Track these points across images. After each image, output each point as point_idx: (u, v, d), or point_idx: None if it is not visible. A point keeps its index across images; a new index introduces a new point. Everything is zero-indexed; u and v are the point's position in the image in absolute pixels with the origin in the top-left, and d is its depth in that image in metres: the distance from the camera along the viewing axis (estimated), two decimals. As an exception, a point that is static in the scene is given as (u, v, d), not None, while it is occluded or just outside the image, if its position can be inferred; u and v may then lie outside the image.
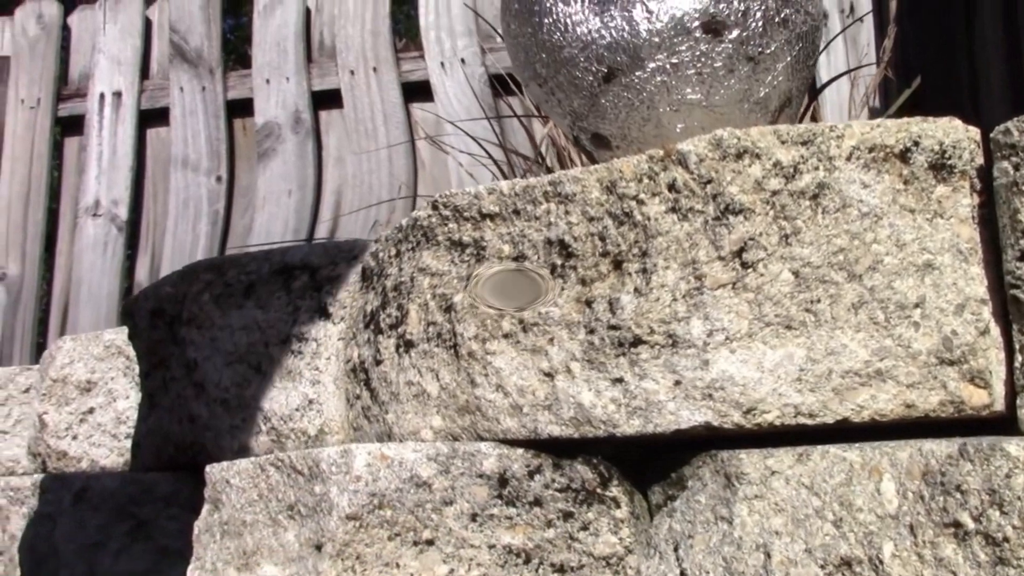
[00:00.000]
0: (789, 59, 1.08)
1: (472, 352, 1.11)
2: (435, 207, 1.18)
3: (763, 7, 1.06)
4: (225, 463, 1.30)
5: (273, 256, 1.36)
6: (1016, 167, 0.95)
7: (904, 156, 1.01)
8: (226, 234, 2.90)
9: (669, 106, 1.06)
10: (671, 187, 1.02)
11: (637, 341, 1.02)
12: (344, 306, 1.32)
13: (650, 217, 1.02)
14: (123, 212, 3.02)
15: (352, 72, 2.93)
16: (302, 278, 1.34)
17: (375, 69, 2.92)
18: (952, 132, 1.01)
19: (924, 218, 1.01)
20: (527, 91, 1.18)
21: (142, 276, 2.99)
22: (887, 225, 1.00)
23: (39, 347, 3.15)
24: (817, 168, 1.00)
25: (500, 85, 2.75)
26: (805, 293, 0.99)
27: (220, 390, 1.40)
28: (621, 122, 1.08)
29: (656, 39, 1.05)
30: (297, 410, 1.33)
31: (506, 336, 1.10)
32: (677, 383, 0.99)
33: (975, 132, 1.03)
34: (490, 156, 2.59)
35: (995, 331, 0.99)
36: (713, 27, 1.04)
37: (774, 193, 1.00)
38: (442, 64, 2.88)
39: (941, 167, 1.01)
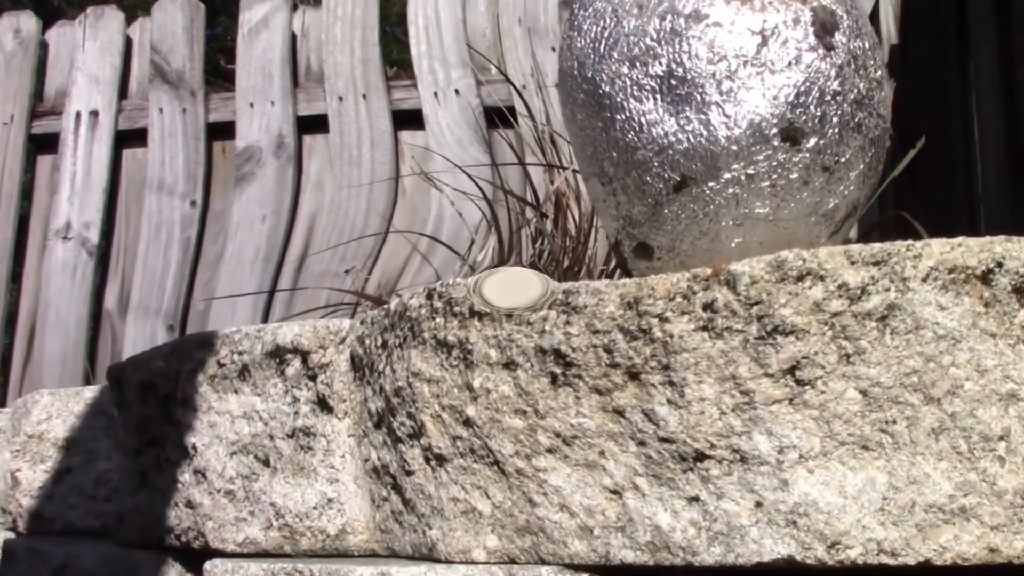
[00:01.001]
0: (862, 167, 1.02)
1: (520, 470, 1.04)
2: (429, 296, 1.11)
3: (839, 112, 0.99)
4: (230, 564, 1.23)
5: (264, 335, 1.29)
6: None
7: (986, 278, 0.95)
8: (196, 261, 2.82)
9: (733, 220, 0.99)
10: (707, 307, 0.96)
11: (701, 456, 0.95)
12: (343, 399, 1.26)
13: (672, 334, 0.96)
14: (94, 236, 2.92)
15: (341, 98, 2.86)
16: (294, 363, 1.27)
17: (365, 96, 2.85)
18: (1037, 251, 0.96)
19: (1007, 343, 0.95)
20: (587, 185, 1.11)
21: (111, 303, 2.89)
22: (966, 349, 0.94)
23: (4, 374, 3.05)
24: (888, 289, 0.94)
25: (498, 118, 2.69)
26: (877, 413, 0.93)
27: (225, 480, 1.33)
28: (676, 234, 1.02)
29: (734, 147, 0.98)
30: (315, 508, 1.26)
31: (550, 451, 1.03)
32: (758, 504, 0.93)
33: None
34: (483, 193, 2.52)
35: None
36: (791, 135, 0.98)
37: (835, 315, 0.93)
38: (435, 94, 2.82)
39: (1025, 289, 0.95)
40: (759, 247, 1.01)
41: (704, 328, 0.97)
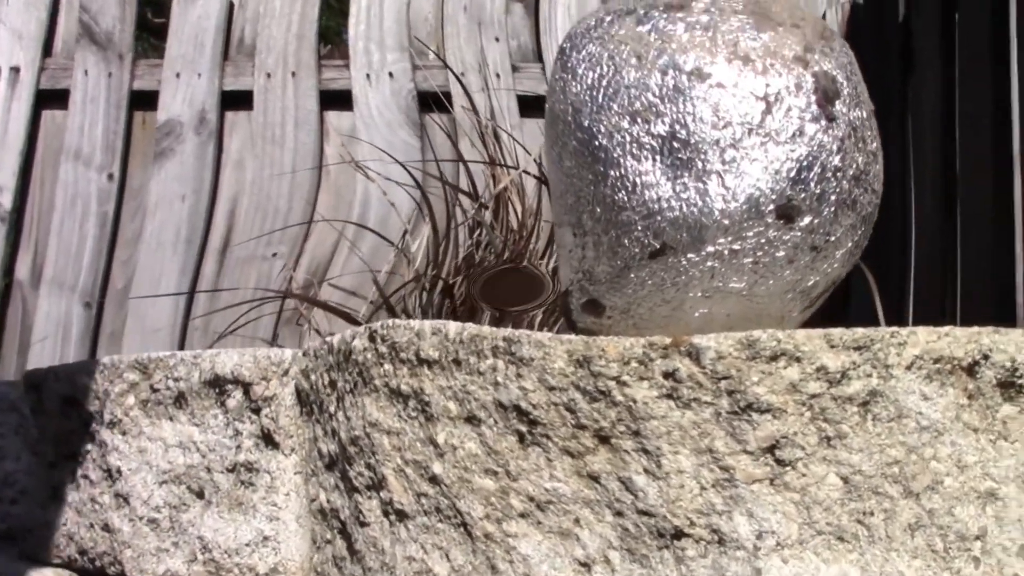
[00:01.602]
0: (850, 244, 1.00)
1: (489, 534, 1.01)
2: (372, 338, 1.07)
3: (837, 189, 0.98)
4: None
5: (202, 363, 1.23)
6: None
7: (971, 370, 0.95)
8: (115, 239, 2.70)
9: (703, 292, 0.97)
10: (669, 375, 0.93)
11: (679, 534, 0.93)
12: (290, 435, 1.21)
13: (636, 399, 0.94)
14: (7, 201, 2.78)
15: (269, 75, 2.76)
16: (235, 395, 1.21)
17: (294, 74, 2.76)
18: (1024, 347, 0.95)
19: (988, 439, 0.95)
20: (556, 230, 1.07)
21: (23, 274, 2.76)
22: (948, 443, 0.93)
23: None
24: (870, 375, 0.93)
25: (434, 103, 2.64)
26: (857, 503, 0.92)
27: (150, 508, 1.27)
28: (636, 298, 0.99)
29: (726, 221, 0.95)
30: (247, 545, 1.21)
31: (523, 516, 1.00)
32: (724, 595, 0.91)
33: (1045, 344, 0.97)
34: (415, 180, 2.47)
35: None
36: (787, 212, 0.96)
37: (813, 396, 0.92)
38: (368, 76, 2.74)
39: (1010, 385, 0.95)
40: (725, 319, 0.99)
41: (669, 396, 0.94)
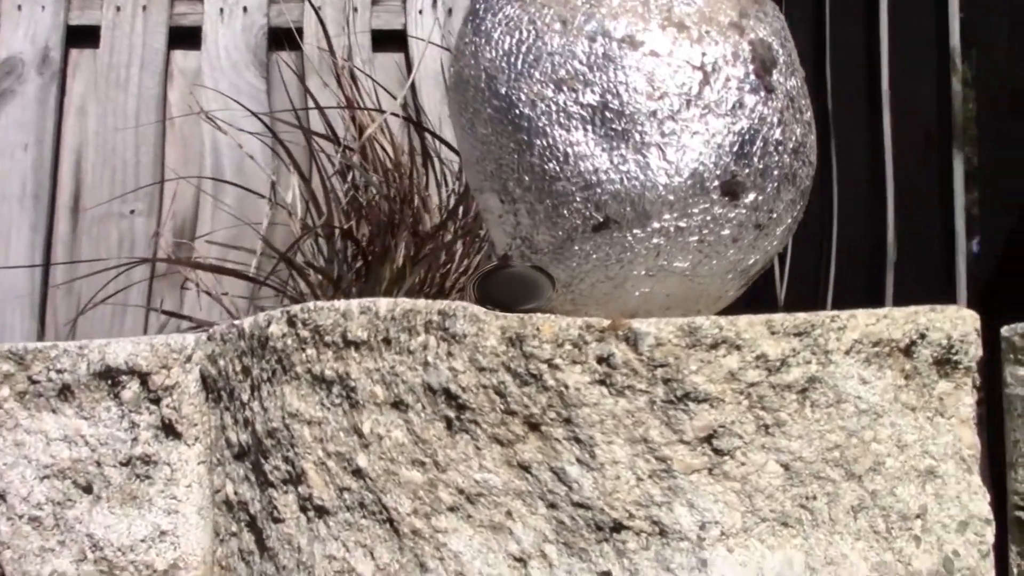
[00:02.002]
0: (789, 220, 0.98)
1: (417, 531, 0.96)
2: (291, 323, 1.01)
3: (779, 164, 0.95)
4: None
5: (89, 354, 1.15)
6: (1035, 379, 0.90)
7: (908, 350, 0.94)
8: (-47, 190, 2.51)
9: (647, 270, 0.94)
10: (603, 360, 0.90)
11: (619, 526, 0.91)
12: (194, 423, 1.13)
13: (567, 385, 0.91)
14: None
15: (119, 8, 2.58)
16: (131, 386, 1.13)
17: (144, 8, 2.59)
18: (960, 324, 0.96)
19: (925, 416, 0.95)
20: (477, 195, 1.02)
21: None
22: (888, 424, 0.93)
23: None
24: (809, 362, 0.92)
25: (287, 40, 2.52)
26: (799, 488, 0.91)
27: (31, 506, 1.18)
28: (580, 272, 0.95)
29: (671, 196, 0.92)
30: (143, 541, 1.13)
31: (452, 510, 0.96)
32: (670, 587, 0.89)
33: (976, 319, 0.97)
34: (268, 128, 2.35)
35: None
36: (732, 188, 0.93)
37: (751, 385, 0.90)
38: (221, 10, 2.60)
39: (946, 362, 0.95)
40: (665, 298, 0.96)
41: (602, 383, 0.91)
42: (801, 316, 0.92)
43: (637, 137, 0.93)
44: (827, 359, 0.92)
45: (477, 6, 1.03)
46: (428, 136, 2.11)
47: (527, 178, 0.96)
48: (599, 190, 0.93)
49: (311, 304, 1.00)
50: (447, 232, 1.83)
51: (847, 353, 0.93)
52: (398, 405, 0.97)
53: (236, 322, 1.10)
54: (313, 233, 1.90)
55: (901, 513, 0.93)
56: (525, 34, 0.97)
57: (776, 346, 0.91)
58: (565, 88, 0.94)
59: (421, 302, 0.97)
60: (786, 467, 0.91)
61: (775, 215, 0.96)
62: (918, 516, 0.93)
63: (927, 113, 2.29)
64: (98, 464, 1.14)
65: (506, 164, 0.98)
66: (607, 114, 0.93)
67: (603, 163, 0.93)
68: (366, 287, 1.79)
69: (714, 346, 0.90)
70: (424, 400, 0.96)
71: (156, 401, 1.13)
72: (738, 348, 0.90)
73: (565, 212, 0.95)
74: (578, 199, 0.94)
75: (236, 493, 1.11)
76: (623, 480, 0.91)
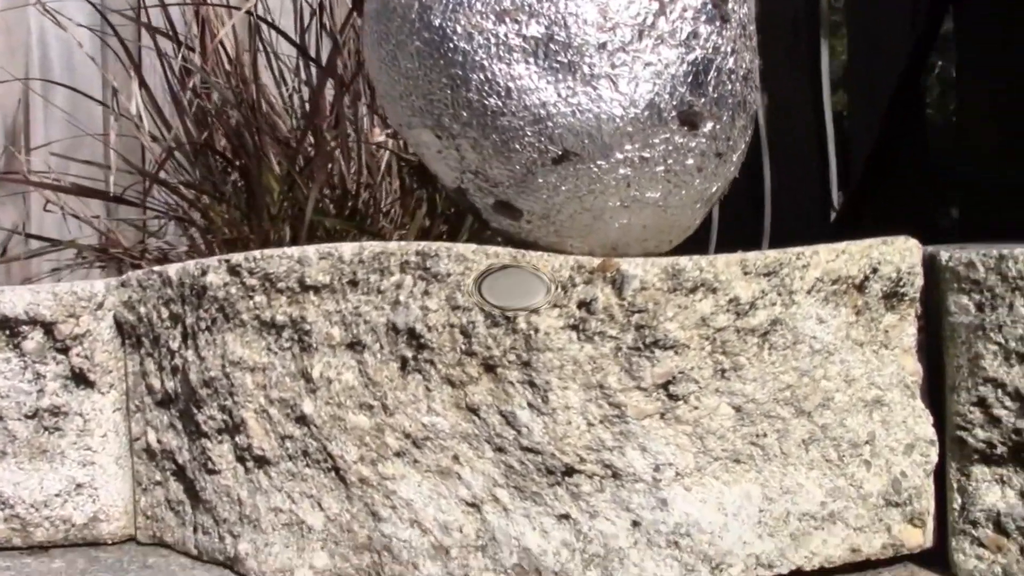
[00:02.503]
0: (743, 146, 0.98)
1: (365, 478, 0.94)
2: (234, 272, 0.97)
3: (733, 92, 0.94)
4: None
5: (-19, 304, 1.07)
6: (980, 307, 0.93)
7: (862, 286, 0.96)
8: None
9: (620, 201, 0.92)
10: (583, 305, 0.90)
11: (570, 470, 0.90)
12: (109, 371, 1.08)
13: (538, 329, 0.90)
14: None
15: None
16: (34, 336, 1.07)
17: None
18: (908, 256, 0.98)
19: (871, 350, 0.97)
20: (404, 129, 0.98)
21: None
22: (838, 361, 0.95)
23: None
24: (775, 304, 0.92)
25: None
26: (750, 428, 0.93)
27: (-71, 462, 1.10)
28: (553, 204, 0.93)
29: (629, 128, 0.90)
30: (58, 496, 1.08)
31: (398, 455, 0.94)
32: (635, 524, 0.90)
33: (920, 250, 0.99)
34: (102, 15, 2.19)
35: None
36: (690, 118, 0.91)
37: (718, 330, 0.91)
38: None
39: (893, 295, 0.97)
40: (642, 230, 0.95)
41: (573, 328, 0.90)
42: (771, 254, 0.92)
43: (585, 69, 0.90)
44: (791, 300, 0.93)
45: None
46: (265, 28, 1.98)
47: (465, 113, 0.93)
48: (550, 123, 0.91)
49: (256, 253, 0.95)
50: (317, 136, 1.75)
51: (808, 293, 0.93)
52: (354, 346, 0.94)
53: (156, 269, 1.04)
54: (168, 147, 1.79)
55: (851, 442, 0.95)
56: (467, -42, 0.92)
57: (748, 288, 0.91)
58: (507, 20, 0.90)
59: (394, 244, 0.94)
60: (738, 409, 0.92)
61: (732, 142, 0.96)
62: (867, 443, 0.96)
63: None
64: (0, 419, 1.08)
65: (438, 100, 0.94)
66: (551, 46, 0.90)
67: (550, 96, 0.90)
68: (254, 202, 1.71)
69: (693, 290, 0.90)
70: (384, 340, 0.94)
71: (64, 351, 1.07)
72: (714, 291, 0.90)
73: (517, 146, 0.92)
74: (528, 133, 0.91)
75: (160, 442, 1.07)
76: (574, 425, 0.91)
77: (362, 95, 1.78)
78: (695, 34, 0.92)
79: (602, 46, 0.90)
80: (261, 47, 1.82)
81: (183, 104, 1.84)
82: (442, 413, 0.93)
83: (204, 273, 0.99)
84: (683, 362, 0.90)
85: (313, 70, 1.84)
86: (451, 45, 0.92)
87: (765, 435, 0.93)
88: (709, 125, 0.93)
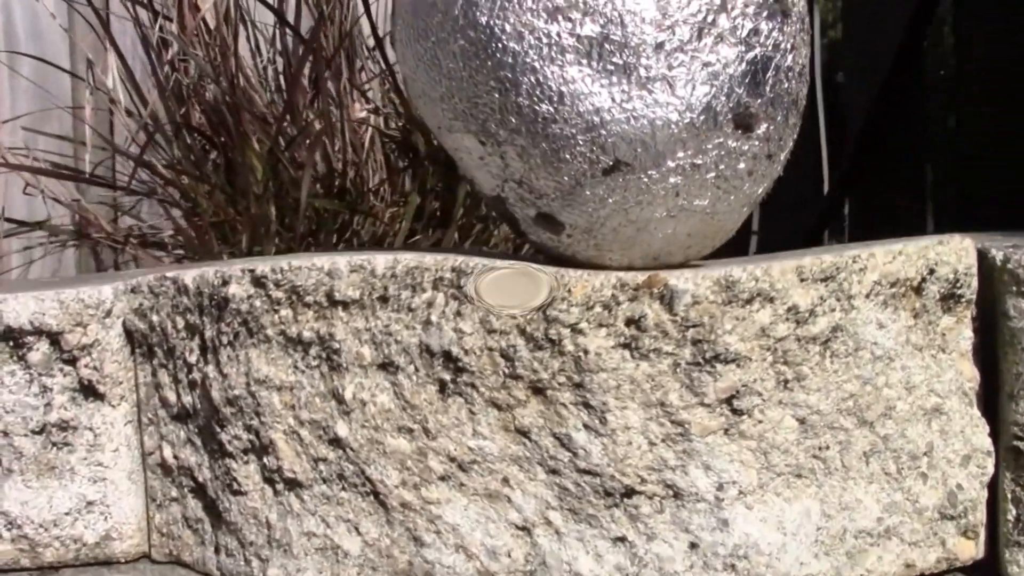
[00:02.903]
0: (791, 144, 0.94)
1: (407, 503, 0.90)
2: (259, 284, 0.92)
3: (789, 91, 0.90)
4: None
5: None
6: (1043, 313, 0.90)
7: (919, 288, 0.93)
8: None
9: (667, 211, 0.88)
10: (632, 323, 0.86)
11: (631, 491, 0.87)
12: (119, 382, 1.03)
13: (588, 350, 0.87)
14: None
15: None
16: (40, 348, 1.01)
17: None
18: (964, 256, 0.95)
19: (930, 355, 0.94)
20: (444, 133, 0.93)
21: None
22: (899, 368, 0.93)
23: None
24: (835, 310, 0.89)
25: None
26: (813, 440, 0.90)
27: (-74, 480, 1.05)
28: (598, 217, 0.88)
29: (684, 134, 0.85)
30: (68, 514, 1.03)
31: (443, 479, 0.90)
32: (693, 546, 0.87)
33: (975, 249, 0.96)
34: None
35: (988, 481, 0.97)
36: (745, 121, 0.87)
37: (779, 340, 0.87)
38: None
39: (950, 296, 0.95)
40: (687, 238, 0.91)
41: (625, 346, 0.87)
42: (828, 259, 0.88)
43: (641, 71, 0.85)
44: (850, 305, 0.90)
45: None
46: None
47: (514, 119, 0.87)
48: (603, 131, 0.86)
49: (283, 264, 0.90)
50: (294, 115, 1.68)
51: (867, 297, 0.90)
52: (387, 367, 0.90)
53: (170, 274, 0.98)
54: (144, 124, 1.71)
55: (911, 453, 0.93)
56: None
57: (806, 295, 0.87)
58: (560, 18, 0.85)
59: (429, 258, 0.88)
60: (802, 421, 0.89)
61: (782, 141, 0.91)
62: (925, 454, 0.94)
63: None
64: (6, 434, 1.02)
65: (484, 104, 0.88)
66: (607, 47, 0.85)
67: (604, 102, 0.85)
68: (236, 181, 1.65)
69: (749, 300, 0.86)
70: (419, 362, 0.89)
71: (71, 362, 1.01)
72: (771, 301, 0.86)
73: (567, 156, 0.87)
74: (580, 142, 0.86)
75: (177, 457, 1.02)
76: (635, 445, 0.87)
77: (343, 70, 1.71)
78: (756, 31, 0.87)
79: (659, 46, 0.85)
80: (240, 16, 1.74)
81: (160, 78, 1.76)
82: (489, 436, 0.89)
83: (226, 283, 0.94)
84: (745, 375, 0.87)
85: (291, 40, 1.76)
86: (499, 45, 0.86)
87: (828, 447, 0.90)
88: (763, 127, 0.89)
